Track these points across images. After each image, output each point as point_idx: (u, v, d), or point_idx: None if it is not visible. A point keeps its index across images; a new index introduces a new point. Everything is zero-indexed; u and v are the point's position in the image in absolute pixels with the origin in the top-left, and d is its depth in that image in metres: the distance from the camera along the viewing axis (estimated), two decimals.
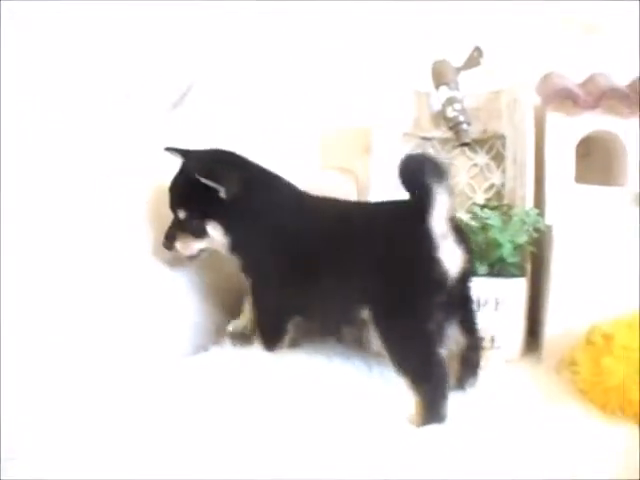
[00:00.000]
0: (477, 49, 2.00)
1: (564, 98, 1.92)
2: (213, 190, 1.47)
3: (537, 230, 1.79)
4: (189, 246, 1.60)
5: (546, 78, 2.00)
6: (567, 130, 1.92)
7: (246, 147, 2.05)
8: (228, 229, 1.55)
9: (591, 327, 1.62)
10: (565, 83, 1.94)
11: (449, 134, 2.02)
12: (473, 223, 1.76)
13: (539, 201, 1.90)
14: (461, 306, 1.50)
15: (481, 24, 2.17)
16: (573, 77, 2.03)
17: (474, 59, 2.00)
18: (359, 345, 1.70)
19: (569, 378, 1.64)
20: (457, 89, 1.98)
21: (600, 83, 1.96)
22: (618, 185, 1.98)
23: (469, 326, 1.51)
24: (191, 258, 1.65)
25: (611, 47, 2.20)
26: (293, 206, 1.58)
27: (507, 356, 1.76)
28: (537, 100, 1.99)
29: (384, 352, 1.39)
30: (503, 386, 1.58)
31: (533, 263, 1.86)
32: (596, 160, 2.09)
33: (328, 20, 2.18)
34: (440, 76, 1.99)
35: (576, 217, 1.87)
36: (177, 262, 1.69)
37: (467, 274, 1.47)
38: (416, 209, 1.36)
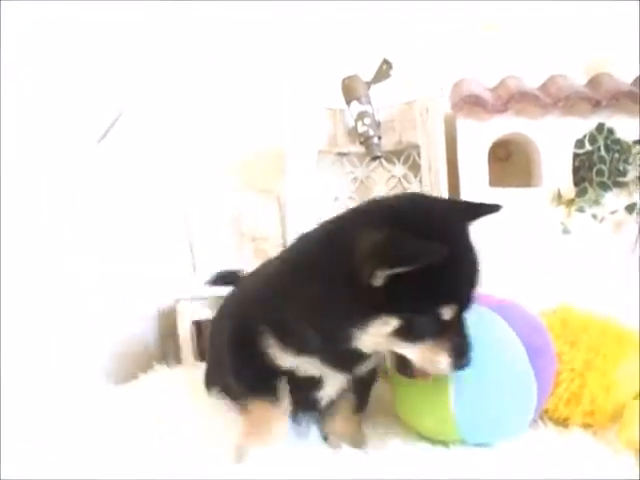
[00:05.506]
0: (385, 62, 2.01)
1: (473, 104, 1.93)
2: None
3: None
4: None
5: (457, 85, 2.02)
6: (478, 135, 1.95)
7: (169, 174, 2.09)
8: None
9: None
10: (473, 89, 1.96)
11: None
12: None
13: None
14: None
15: (390, 38, 2.18)
16: (486, 82, 2.06)
17: (383, 72, 2.01)
18: None
19: None
20: (369, 103, 1.99)
21: (510, 87, 1.98)
22: (537, 186, 1.99)
23: None
24: None
25: (524, 49, 2.22)
26: None
27: None
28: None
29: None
30: None
31: None
32: (517, 163, 2.11)
33: (241, 43, 2.20)
34: (351, 92, 2.00)
35: (489, 220, 1.87)
36: None
37: None
38: None
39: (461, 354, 1.11)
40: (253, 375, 1.28)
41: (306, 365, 1.23)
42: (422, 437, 1.30)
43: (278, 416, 1.27)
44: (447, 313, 1.07)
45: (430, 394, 1.21)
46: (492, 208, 1.21)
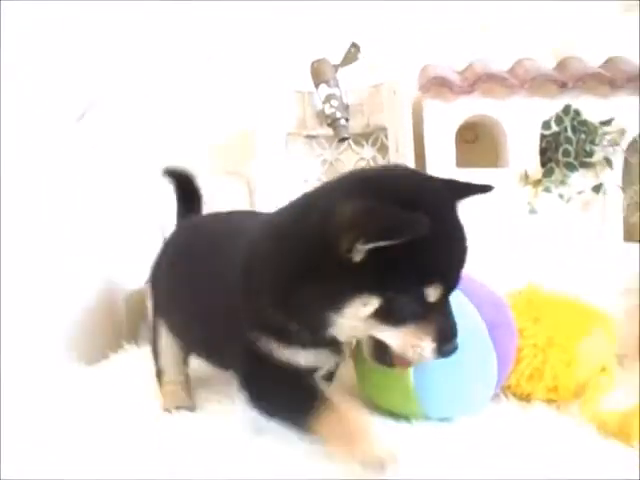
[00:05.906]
0: (354, 45, 2.01)
1: (440, 86, 1.94)
2: None
3: None
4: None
5: (424, 68, 2.03)
6: (445, 116, 1.95)
7: (141, 157, 2.08)
8: None
9: None
10: (439, 71, 1.96)
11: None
12: None
13: None
14: None
15: (358, 21, 2.18)
16: (454, 66, 2.07)
17: (352, 55, 2.02)
18: None
19: None
20: (337, 86, 2.00)
21: (477, 69, 1.99)
22: (503, 167, 2.00)
23: None
24: None
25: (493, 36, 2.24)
26: None
27: None
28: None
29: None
30: None
31: None
32: (484, 146, 2.13)
33: (211, 26, 2.19)
34: (319, 75, 2.00)
35: None
36: None
37: None
38: None
39: (446, 339, 1.02)
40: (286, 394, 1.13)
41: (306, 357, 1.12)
42: (385, 413, 1.30)
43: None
44: (432, 294, 0.98)
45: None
46: (483, 188, 1.11)
